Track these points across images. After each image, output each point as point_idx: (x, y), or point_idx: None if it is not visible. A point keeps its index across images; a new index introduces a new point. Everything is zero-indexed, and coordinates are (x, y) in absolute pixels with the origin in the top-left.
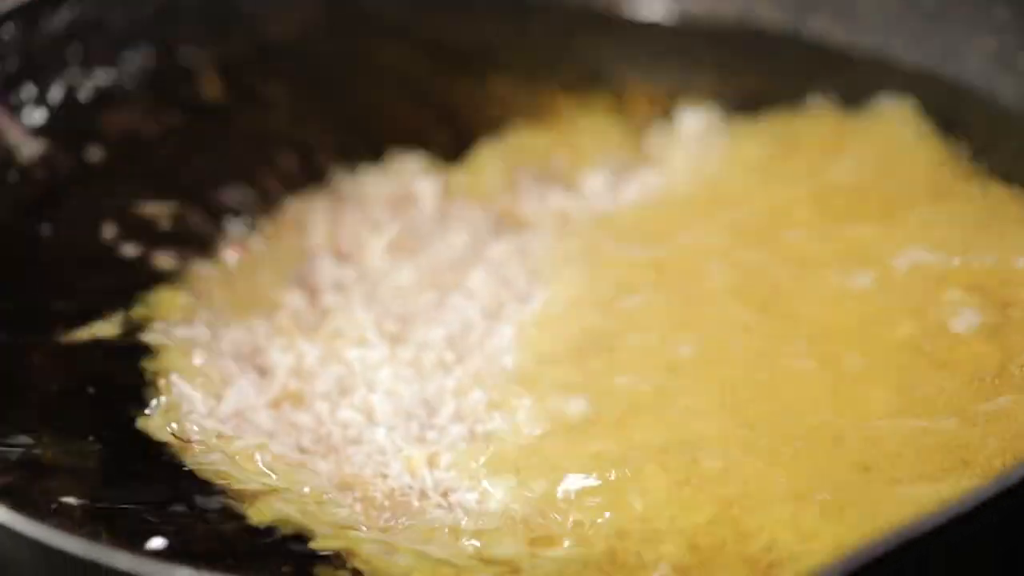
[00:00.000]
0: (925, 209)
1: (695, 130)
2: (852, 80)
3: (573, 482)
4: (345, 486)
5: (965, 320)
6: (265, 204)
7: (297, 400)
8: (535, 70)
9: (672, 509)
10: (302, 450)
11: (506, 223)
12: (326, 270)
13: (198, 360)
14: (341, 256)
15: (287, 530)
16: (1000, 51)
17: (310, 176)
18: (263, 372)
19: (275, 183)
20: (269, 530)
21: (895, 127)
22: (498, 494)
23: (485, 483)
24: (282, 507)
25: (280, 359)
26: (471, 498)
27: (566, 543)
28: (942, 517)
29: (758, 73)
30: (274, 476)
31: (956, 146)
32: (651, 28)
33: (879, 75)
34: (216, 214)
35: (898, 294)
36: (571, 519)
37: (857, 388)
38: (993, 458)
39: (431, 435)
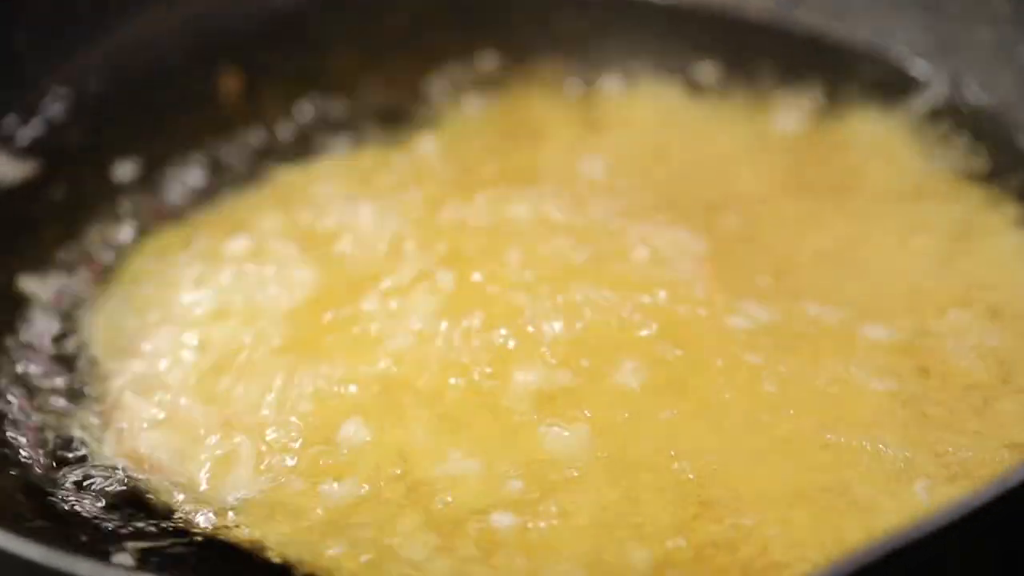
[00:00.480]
0: (905, 209)
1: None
2: (842, 72)
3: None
4: None
5: (952, 326)
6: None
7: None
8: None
9: (660, 511)
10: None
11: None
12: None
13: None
14: None
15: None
16: (999, 43)
17: None
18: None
19: None
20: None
21: (880, 122)
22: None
23: None
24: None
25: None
26: None
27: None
28: (938, 522)
29: (743, 62)
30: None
31: (945, 143)
32: (635, 7)
33: (869, 67)
34: None
35: (880, 297)
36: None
37: (844, 392)
38: (985, 465)
39: None
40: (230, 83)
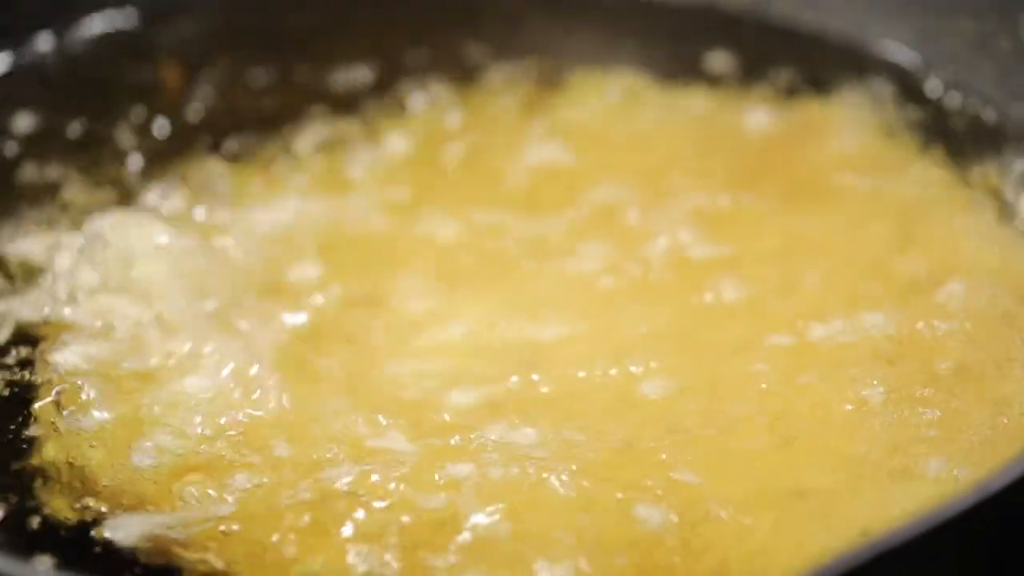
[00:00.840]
0: (870, 196)
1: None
2: (820, 63)
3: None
4: None
5: (914, 315)
6: None
7: None
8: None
9: (613, 524)
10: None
11: None
12: None
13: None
14: None
15: None
16: (981, 35)
17: None
18: None
19: None
20: None
21: (851, 111)
22: None
23: None
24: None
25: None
26: None
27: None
28: (928, 523)
29: (721, 53)
30: None
31: (917, 132)
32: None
33: (850, 58)
34: None
35: (840, 286)
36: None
37: (805, 388)
38: (952, 461)
39: None
40: (172, 75)
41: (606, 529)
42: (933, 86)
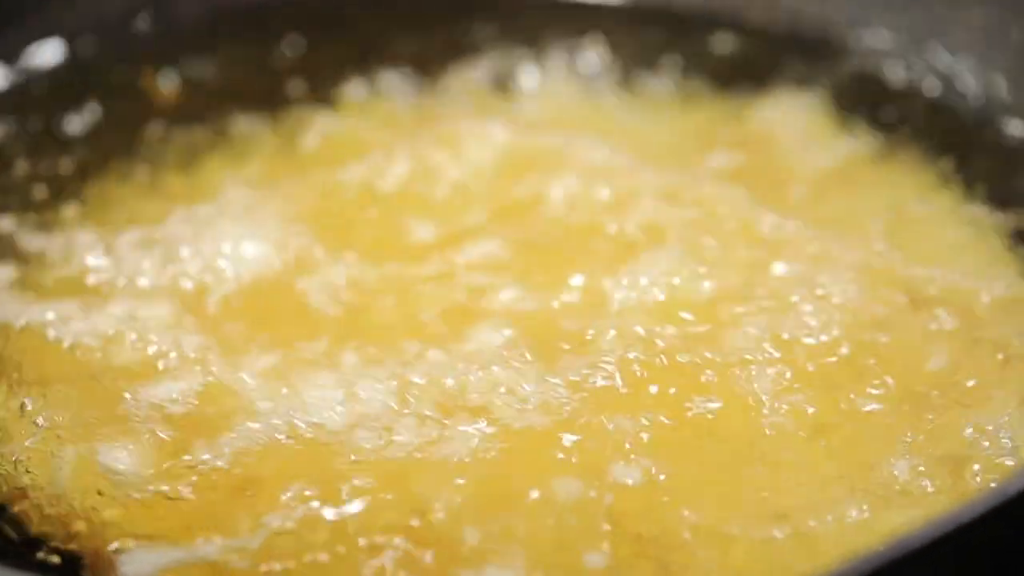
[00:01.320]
0: (850, 197)
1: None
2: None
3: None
4: None
5: (886, 333)
6: None
7: None
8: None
9: (589, 550)
10: None
11: None
12: None
13: None
14: None
15: None
16: (989, 27)
17: None
18: None
19: None
20: None
21: (839, 111)
22: None
23: None
24: None
25: None
26: None
27: None
28: (932, 533)
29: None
30: None
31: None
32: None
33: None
34: None
35: (814, 300)
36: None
37: (775, 408)
38: (925, 483)
39: None
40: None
41: (579, 554)
42: (929, 84)
